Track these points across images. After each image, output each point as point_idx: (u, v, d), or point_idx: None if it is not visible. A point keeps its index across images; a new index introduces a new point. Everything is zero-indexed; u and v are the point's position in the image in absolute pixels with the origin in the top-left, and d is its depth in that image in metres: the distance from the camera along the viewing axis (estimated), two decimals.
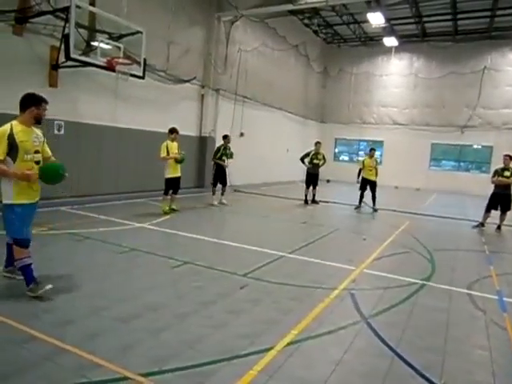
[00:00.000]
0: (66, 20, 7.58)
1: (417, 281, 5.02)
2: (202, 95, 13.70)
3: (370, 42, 21.41)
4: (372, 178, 11.53)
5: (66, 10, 7.55)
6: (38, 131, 4.02)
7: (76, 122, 9.29)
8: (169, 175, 8.54)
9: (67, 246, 5.55)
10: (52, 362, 2.67)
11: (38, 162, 3.88)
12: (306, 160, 11.93)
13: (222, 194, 10.73)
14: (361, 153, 23.25)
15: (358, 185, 11.71)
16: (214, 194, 10.54)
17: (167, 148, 8.40)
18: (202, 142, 13.73)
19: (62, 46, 7.79)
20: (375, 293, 4.55)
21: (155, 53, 10.83)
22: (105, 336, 3.09)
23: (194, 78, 13.02)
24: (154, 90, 11.25)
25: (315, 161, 11.92)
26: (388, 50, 20.64)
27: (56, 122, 8.84)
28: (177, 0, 11.84)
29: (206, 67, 13.62)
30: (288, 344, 3.16)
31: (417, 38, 20.15)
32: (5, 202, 3.70)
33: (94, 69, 8.56)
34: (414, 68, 20.98)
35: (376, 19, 15.67)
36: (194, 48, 12.99)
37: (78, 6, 7.61)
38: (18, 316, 3.26)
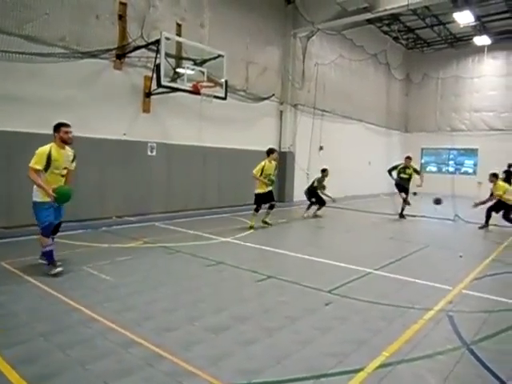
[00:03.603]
0: (157, 51, 8.35)
1: None
2: (281, 111, 13.95)
3: (458, 43, 19.92)
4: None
5: (157, 42, 8.35)
6: (69, 151, 5.01)
7: (166, 143, 10.08)
8: (259, 190, 8.83)
9: (161, 258, 5.98)
10: (152, 367, 2.87)
11: (63, 176, 4.97)
12: (394, 173, 11.49)
13: (319, 209, 11.16)
14: (451, 163, 21.54)
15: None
16: (307, 209, 11.11)
17: (263, 169, 8.70)
18: (282, 156, 13.86)
19: (154, 75, 8.57)
20: (477, 316, 4.10)
21: (235, 74, 11.36)
22: (197, 345, 3.23)
23: (273, 95, 13.34)
24: (235, 109, 11.75)
25: (402, 175, 11.37)
26: (479, 50, 18.96)
27: (149, 144, 9.69)
28: (254, 22, 12.34)
29: (284, 83, 13.86)
30: (379, 366, 2.98)
31: None
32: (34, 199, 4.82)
33: (180, 93, 9.23)
34: None
35: (464, 18, 14.58)
36: (272, 66, 13.33)
37: (167, 38, 8.38)
38: (122, 322, 3.58)
